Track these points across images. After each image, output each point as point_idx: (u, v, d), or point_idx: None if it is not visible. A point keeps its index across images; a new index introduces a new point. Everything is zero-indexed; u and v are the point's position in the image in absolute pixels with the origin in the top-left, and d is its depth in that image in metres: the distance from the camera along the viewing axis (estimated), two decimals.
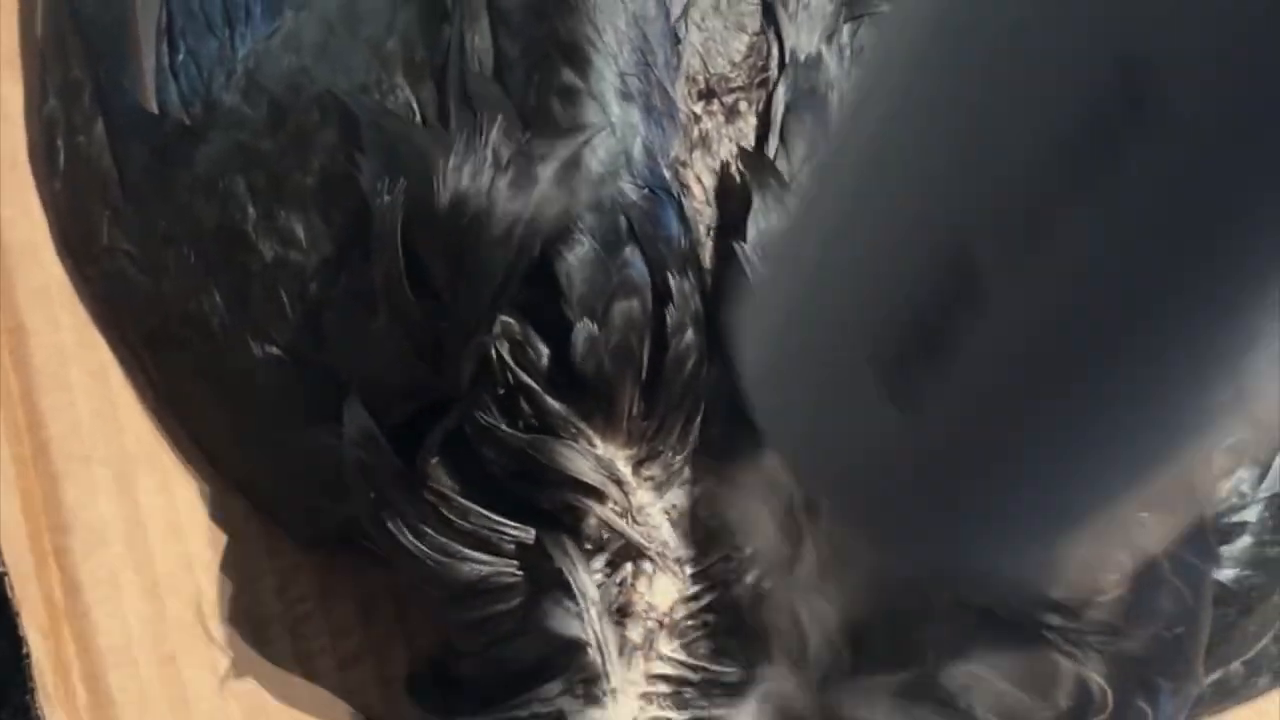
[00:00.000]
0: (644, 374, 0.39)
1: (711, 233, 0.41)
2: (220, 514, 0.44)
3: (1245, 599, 0.46)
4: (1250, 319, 0.21)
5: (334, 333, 0.42)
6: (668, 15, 0.41)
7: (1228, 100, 0.19)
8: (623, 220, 0.39)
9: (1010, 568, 0.30)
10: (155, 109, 0.46)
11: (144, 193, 0.45)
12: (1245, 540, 0.45)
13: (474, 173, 0.39)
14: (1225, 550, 0.45)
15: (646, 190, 0.39)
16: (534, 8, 0.40)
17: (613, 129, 0.39)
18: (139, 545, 0.43)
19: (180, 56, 0.46)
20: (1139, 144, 0.20)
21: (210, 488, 0.44)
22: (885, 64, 0.25)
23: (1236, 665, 0.48)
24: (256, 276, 0.43)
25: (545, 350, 0.39)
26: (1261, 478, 0.46)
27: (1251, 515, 0.45)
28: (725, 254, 0.40)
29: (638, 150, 0.39)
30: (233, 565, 0.43)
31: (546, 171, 0.38)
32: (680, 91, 0.41)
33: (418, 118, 0.41)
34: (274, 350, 0.43)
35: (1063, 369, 0.23)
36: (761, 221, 0.40)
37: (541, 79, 0.40)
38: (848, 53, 0.42)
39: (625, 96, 0.40)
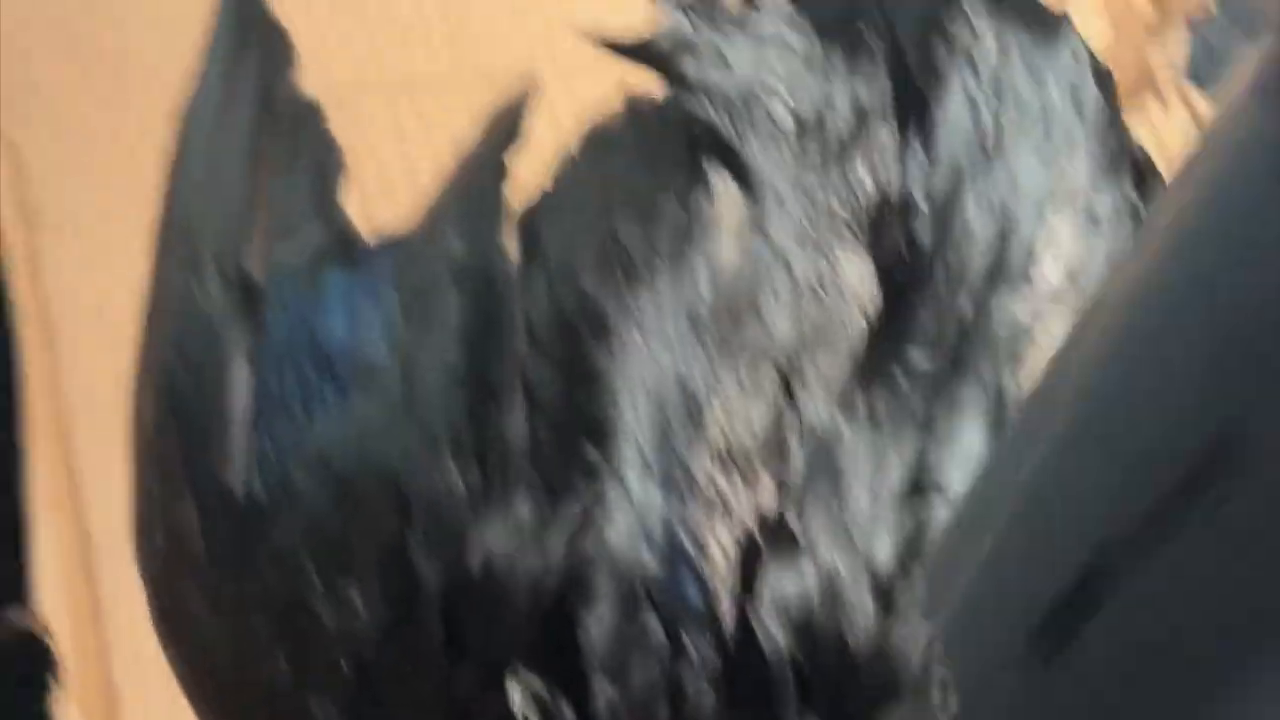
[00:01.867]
0: None
1: (732, 594, 0.43)
2: None
3: None
4: None
5: (387, 696, 0.45)
6: (688, 393, 0.45)
7: None
8: (640, 587, 0.42)
9: None
10: (238, 489, 0.50)
11: (226, 567, 0.50)
12: None
13: (501, 539, 0.43)
14: None
15: (663, 559, 0.42)
16: (563, 391, 0.45)
17: (631, 502, 0.43)
18: None
19: (262, 439, 0.51)
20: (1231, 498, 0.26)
21: None
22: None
23: None
24: (318, 643, 0.47)
25: (569, 711, 0.42)
26: None
27: None
28: (741, 615, 0.42)
29: (655, 521, 0.43)
30: None
31: (562, 537, 0.42)
32: (701, 462, 0.44)
33: (461, 493, 0.45)
34: (333, 709, 0.46)
35: (1185, 663, 0.29)
36: (774, 585, 0.42)
37: (568, 456, 0.44)
38: (862, 418, 0.45)
39: (645, 471, 0.43)
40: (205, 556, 0.50)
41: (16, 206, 0.57)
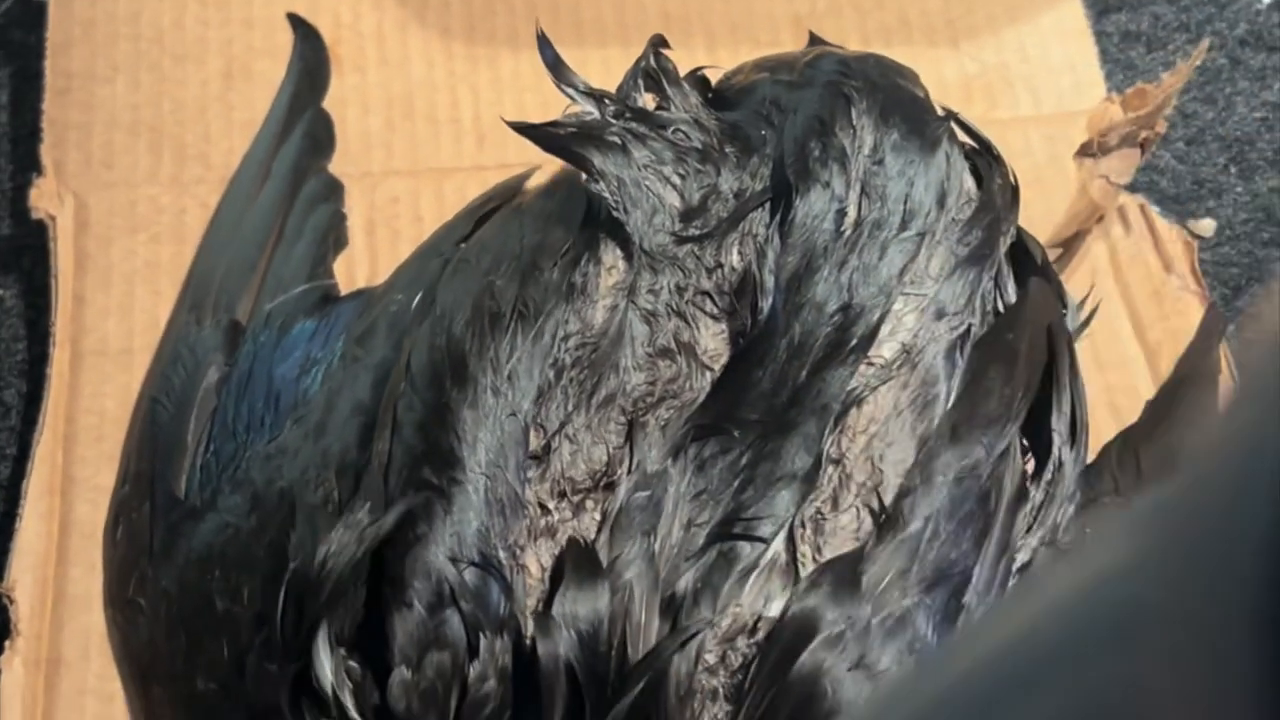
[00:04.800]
0: (451, 716, 0.47)
1: (538, 606, 0.49)
2: None
3: None
4: None
5: (251, 675, 0.52)
6: (539, 431, 0.51)
7: None
8: (446, 588, 0.48)
9: None
10: (182, 495, 0.58)
11: (159, 559, 0.57)
12: None
13: (336, 544, 0.49)
14: None
15: (473, 566, 0.48)
16: (419, 423, 0.51)
17: (451, 517, 0.49)
18: None
19: (208, 455, 0.59)
20: None
21: None
22: None
23: None
24: (208, 626, 0.54)
25: (376, 692, 0.48)
26: None
27: None
28: (540, 621, 0.48)
29: (470, 534, 0.49)
30: None
31: (368, 535, 0.48)
32: (534, 490, 0.50)
33: (334, 504, 0.52)
34: (213, 686, 0.53)
35: None
36: (571, 597, 0.48)
37: (409, 476, 0.50)
38: (690, 466, 0.50)
39: (473, 492, 0.49)
40: (147, 550, 0.58)
41: (72, 251, 0.67)
